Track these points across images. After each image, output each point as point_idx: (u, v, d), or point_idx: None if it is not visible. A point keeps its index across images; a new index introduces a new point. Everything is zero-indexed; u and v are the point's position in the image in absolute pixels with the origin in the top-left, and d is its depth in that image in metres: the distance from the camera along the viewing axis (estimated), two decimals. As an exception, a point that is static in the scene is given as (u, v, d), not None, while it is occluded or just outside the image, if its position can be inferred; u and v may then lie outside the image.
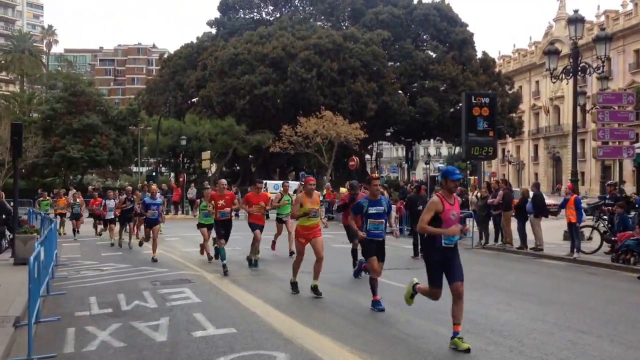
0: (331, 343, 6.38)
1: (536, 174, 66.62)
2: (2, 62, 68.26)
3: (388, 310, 8.06)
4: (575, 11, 16.07)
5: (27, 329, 5.86)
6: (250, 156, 50.03)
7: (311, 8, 55.32)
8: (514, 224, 15.82)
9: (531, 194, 15.48)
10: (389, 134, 54.75)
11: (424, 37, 51.18)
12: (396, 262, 13.10)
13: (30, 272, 5.84)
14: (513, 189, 18.91)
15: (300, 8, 56.49)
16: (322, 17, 54.78)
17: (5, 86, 67.37)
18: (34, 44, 75.03)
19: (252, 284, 10.11)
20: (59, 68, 76.48)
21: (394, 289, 9.68)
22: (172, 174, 48.83)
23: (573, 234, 13.78)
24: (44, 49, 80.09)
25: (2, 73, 67.68)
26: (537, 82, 67.14)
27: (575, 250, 13.65)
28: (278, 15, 55.62)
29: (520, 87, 67.02)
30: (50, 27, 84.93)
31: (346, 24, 52.87)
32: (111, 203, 17.65)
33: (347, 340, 6.46)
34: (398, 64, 48.19)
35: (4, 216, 14.25)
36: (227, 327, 7.03)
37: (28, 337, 5.75)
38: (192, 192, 32.28)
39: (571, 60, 16.01)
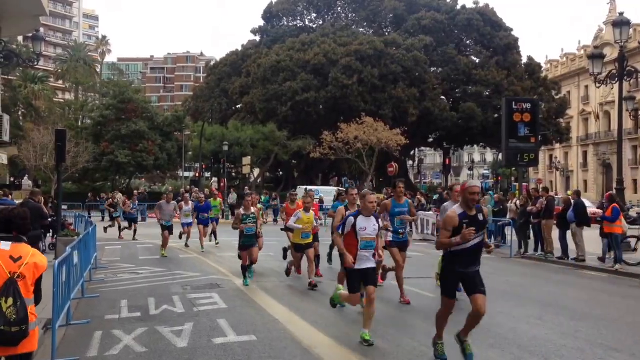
0: (348, 354, 6.33)
1: (585, 181, 64.33)
2: (59, 71, 71.22)
3: (411, 320, 7.94)
4: (621, 14, 15.50)
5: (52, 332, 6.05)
6: (293, 161, 50.43)
7: (353, 15, 55.38)
8: (555, 233, 15.34)
9: (573, 201, 14.96)
10: (431, 139, 54.13)
11: (467, 42, 50.46)
12: (427, 270, 12.89)
13: (54, 277, 5.95)
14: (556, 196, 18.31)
15: (343, 15, 56.64)
16: (365, 24, 54.76)
17: (62, 94, 70.22)
18: (89, 53, 77.97)
19: (279, 291, 10.14)
20: (112, 76, 79.13)
21: (424, 298, 9.52)
22: (215, 179, 49.73)
23: (613, 244, 13.22)
24: (98, 58, 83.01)
25: (58, 82, 70.53)
26: (587, 87, 64.88)
27: (616, 261, 13.10)
28: (321, 22, 55.90)
29: (569, 92, 64.98)
30: (104, 37, 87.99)
31: (388, 30, 52.66)
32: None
33: (365, 351, 6.39)
34: (440, 69, 47.67)
35: (47, 220, 14.76)
36: (248, 334, 7.06)
37: (52, 340, 5.94)
38: (232, 197, 32.71)
39: (617, 64, 15.43)
